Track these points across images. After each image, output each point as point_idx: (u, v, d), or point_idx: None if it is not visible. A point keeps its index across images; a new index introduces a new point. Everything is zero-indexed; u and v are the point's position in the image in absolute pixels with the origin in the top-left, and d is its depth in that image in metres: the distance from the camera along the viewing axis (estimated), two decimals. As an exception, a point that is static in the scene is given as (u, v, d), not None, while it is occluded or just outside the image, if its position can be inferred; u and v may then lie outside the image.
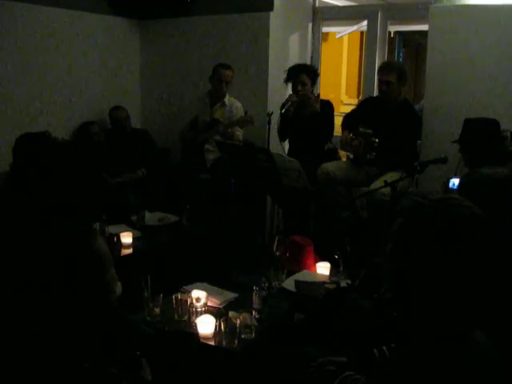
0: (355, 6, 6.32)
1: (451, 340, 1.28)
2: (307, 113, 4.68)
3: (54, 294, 1.52)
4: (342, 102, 9.43)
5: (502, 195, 1.90)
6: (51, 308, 1.52)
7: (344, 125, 4.63)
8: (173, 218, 4.24)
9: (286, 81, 4.84)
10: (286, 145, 5.09)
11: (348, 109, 7.87)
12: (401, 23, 6.24)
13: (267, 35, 5.11)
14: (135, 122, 5.63)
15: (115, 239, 3.65)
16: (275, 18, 5.12)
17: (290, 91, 4.92)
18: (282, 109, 4.75)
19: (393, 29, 6.40)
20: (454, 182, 3.20)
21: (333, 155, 4.89)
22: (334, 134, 4.90)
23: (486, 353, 1.30)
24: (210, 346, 2.50)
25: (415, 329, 1.34)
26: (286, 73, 4.81)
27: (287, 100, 4.69)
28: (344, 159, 4.94)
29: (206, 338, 2.52)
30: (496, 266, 1.29)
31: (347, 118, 4.73)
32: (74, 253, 1.54)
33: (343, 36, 8.05)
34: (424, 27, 4.89)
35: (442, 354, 1.26)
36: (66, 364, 1.46)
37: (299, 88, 4.71)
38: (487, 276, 1.28)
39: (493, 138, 3.46)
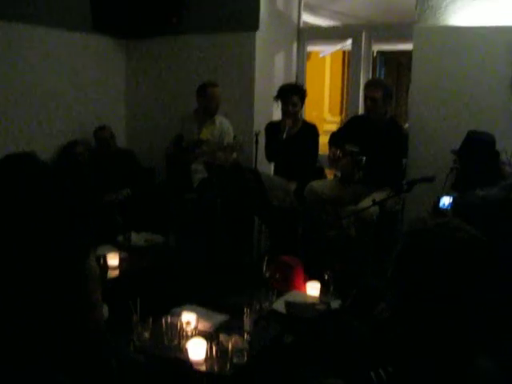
0: (339, 26, 6.39)
1: (453, 364, 1.27)
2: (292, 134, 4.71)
3: (42, 306, 1.50)
4: (325, 119, 9.49)
5: (496, 217, 1.90)
6: (36, 321, 1.50)
7: (331, 143, 4.64)
8: (159, 238, 4.20)
9: (277, 98, 4.84)
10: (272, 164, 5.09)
11: (331, 127, 7.93)
12: (385, 43, 6.31)
13: (253, 54, 5.13)
14: (120, 142, 5.59)
15: (101, 261, 3.59)
16: (261, 38, 5.15)
17: (277, 110, 4.91)
18: (267, 130, 4.78)
19: (376, 48, 6.47)
20: (444, 201, 3.20)
21: (319, 174, 4.90)
22: (321, 152, 4.92)
23: (491, 380, 1.29)
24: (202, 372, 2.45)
25: (416, 352, 1.32)
26: (278, 91, 4.82)
27: (283, 125, 4.68)
28: (330, 177, 4.94)
29: (198, 364, 2.47)
30: (497, 287, 1.29)
31: (334, 136, 4.74)
32: (65, 269, 1.53)
33: (326, 55, 8.12)
34: (408, 47, 4.95)
35: (444, 379, 1.25)
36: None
37: (290, 109, 4.73)
38: (490, 298, 1.28)
39: (491, 153, 3.49)
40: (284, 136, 4.61)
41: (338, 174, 4.63)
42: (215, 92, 4.93)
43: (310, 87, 5.55)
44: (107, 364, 1.91)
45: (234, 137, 4.94)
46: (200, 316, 2.81)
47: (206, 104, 4.96)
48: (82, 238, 1.74)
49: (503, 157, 3.90)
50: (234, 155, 4.75)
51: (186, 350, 2.52)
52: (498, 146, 3.83)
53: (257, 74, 5.17)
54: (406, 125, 5.03)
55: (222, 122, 5.04)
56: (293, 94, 4.75)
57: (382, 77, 8.57)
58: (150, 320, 2.68)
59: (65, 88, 5.20)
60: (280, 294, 3.21)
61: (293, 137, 4.74)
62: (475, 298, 1.25)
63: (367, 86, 4.50)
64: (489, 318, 1.31)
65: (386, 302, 1.34)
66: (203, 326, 2.81)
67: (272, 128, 4.85)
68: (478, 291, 1.24)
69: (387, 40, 6.07)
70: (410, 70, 4.67)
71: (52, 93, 5.08)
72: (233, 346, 2.49)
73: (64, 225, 1.89)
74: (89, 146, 5.21)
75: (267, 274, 3.32)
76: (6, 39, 4.64)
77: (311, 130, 4.86)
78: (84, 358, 1.65)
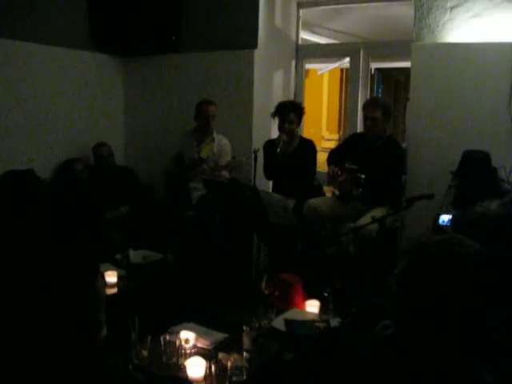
0: (337, 43, 6.43)
1: (455, 381, 1.26)
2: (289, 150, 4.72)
3: (48, 324, 1.49)
4: (323, 137, 9.53)
5: (496, 234, 1.90)
6: (40, 339, 1.49)
7: (330, 160, 4.65)
8: (158, 255, 4.18)
9: (274, 115, 4.85)
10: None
11: (329, 144, 7.96)
12: (382, 60, 6.36)
13: (251, 72, 5.16)
14: (119, 159, 5.59)
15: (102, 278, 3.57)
16: (259, 56, 5.18)
17: (275, 127, 4.92)
18: (265, 148, 4.79)
19: (374, 66, 6.51)
20: (444, 218, 3.20)
21: (318, 191, 4.89)
22: (320, 170, 4.92)
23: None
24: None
25: (417, 369, 1.32)
26: (275, 108, 4.83)
27: (278, 141, 4.68)
28: (329, 195, 4.94)
29: (197, 382, 2.44)
30: (499, 303, 1.29)
31: (333, 153, 4.75)
32: (76, 288, 1.52)
33: (324, 72, 8.17)
34: (405, 64, 4.98)
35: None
36: None
37: (286, 126, 4.73)
38: (491, 313, 1.28)
39: (489, 170, 3.51)
40: (278, 151, 4.60)
41: (337, 192, 4.62)
42: (209, 109, 4.95)
43: (308, 105, 5.58)
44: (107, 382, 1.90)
45: (234, 157, 4.95)
46: (199, 334, 2.79)
47: (201, 121, 4.98)
48: (88, 255, 1.74)
49: (502, 173, 3.91)
50: (233, 174, 4.77)
51: (185, 368, 2.50)
52: (497, 163, 3.85)
53: (255, 92, 5.20)
54: (404, 143, 5.05)
55: (221, 140, 5.05)
56: (290, 111, 4.75)
57: (380, 94, 8.62)
58: (149, 338, 2.66)
59: (64, 105, 5.21)
60: (279, 312, 3.19)
61: (290, 154, 4.76)
62: (478, 312, 1.25)
63: (366, 105, 4.50)
64: (490, 333, 1.31)
65: (390, 318, 1.33)
66: (202, 344, 2.79)
67: (270, 146, 4.85)
68: (480, 306, 1.24)
69: (385, 58, 6.12)
70: (407, 87, 4.70)
71: (51, 110, 5.10)
72: (232, 365, 2.47)
73: (67, 243, 1.89)
74: (88, 164, 5.21)
75: (266, 292, 3.31)
76: (5, 57, 4.66)
77: (309, 146, 4.87)
78: (84, 376, 1.63)
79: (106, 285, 1.66)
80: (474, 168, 3.60)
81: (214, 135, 5.04)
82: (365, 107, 4.49)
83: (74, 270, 1.55)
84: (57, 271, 1.54)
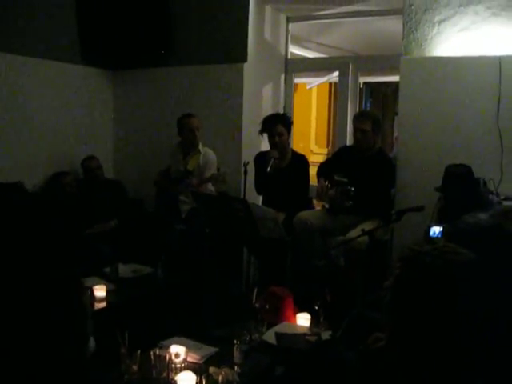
0: (326, 57, 6.47)
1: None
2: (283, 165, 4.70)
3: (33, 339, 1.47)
4: (311, 151, 9.53)
5: (488, 244, 1.90)
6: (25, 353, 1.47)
7: (319, 174, 4.65)
8: (147, 269, 4.15)
9: (261, 132, 4.79)
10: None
11: (318, 158, 7.97)
12: (371, 74, 6.40)
13: (241, 85, 5.18)
14: (108, 172, 5.57)
15: (88, 292, 3.53)
16: (249, 69, 5.20)
17: (265, 141, 4.91)
18: (256, 161, 4.78)
19: (363, 80, 6.55)
20: (435, 230, 3.21)
21: (308, 204, 4.89)
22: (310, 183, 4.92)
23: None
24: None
25: (411, 382, 1.30)
26: (261, 124, 4.78)
27: (269, 157, 4.58)
28: (319, 208, 4.94)
29: (187, 397, 2.42)
30: (497, 309, 1.29)
31: (322, 166, 4.76)
32: (57, 301, 1.51)
33: (313, 86, 8.20)
34: (394, 78, 5.01)
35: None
36: None
37: (277, 139, 4.68)
38: (489, 321, 1.27)
39: (472, 183, 3.52)
40: (268, 170, 4.50)
41: (327, 205, 4.62)
42: (192, 122, 4.95)
43: (297, 119, 5.60)
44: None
45: (218, 169, 4.94)
46: (189, 348, 2.76)
47: (187, 135, 4.98)
48: (71, 269, 1.72)
49: (491, 186, 3.94)
50: (218, 186, 4.76)
51: (176, 383, 2.47)
52: (486, 176, 3.87)
53: (245, 105, 5.21)
54: (390, 154, 5.07)
55: (207, 152, 5.04)
56: (277, 123, 4.68)
57: (368, 108, 8.66)
58: (138, 352, 2.62)
59: (53, 118, 5.21)
60: (270, 326, 3.16)
61: (283, 169, 4.72)
62: (472, 321, 1.24)
63: (356, 118, 4.52)
64: (485, 343, 1.30)
65: (382, 331, 1.32)
66: (192, 358, 2.75)
67: (261, 159, 4.81)
68: (475, 315, 1.24)
69: (373, 72, 6.16)
70: (395, 100, 4.73)
71: (40, 122, 5.09)
72: (223, 379, 2.44)
73: (51, 256, 1.87)
74: (77, 177, 5.18)
75: (257, 305, 3.28)
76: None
77: (301, 161, 4.84)
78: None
79: (89, 298, 1.65)
80: (456, 182, 3.61)
81: (200, 147, 5.03)
82: (355, 119, 4.51)
83: (54, 284, 1.53)
84: (37, 285, 1.53)
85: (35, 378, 1.47)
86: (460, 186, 3.55)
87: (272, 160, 4.54)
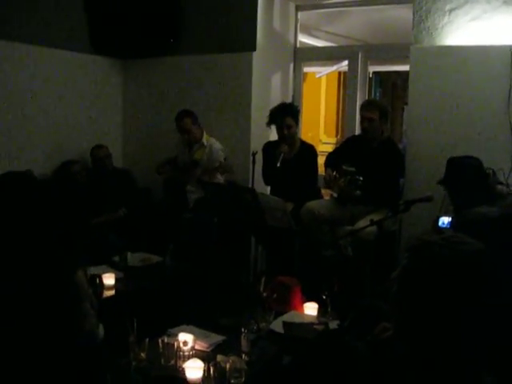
0: (336, 46, 6.44)
1: (457, 383, 1.25)
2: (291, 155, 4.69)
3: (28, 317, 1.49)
4: (320, 140, 9.50)
5: (497, 234, 1.90)
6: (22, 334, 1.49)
7: (327, 163, 4.63)
8: (156, 258, 4.17)
9: (269, 124, 4.75)
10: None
11: (327, 147, 7.94)
12: (381, 63, 6.36)
13: (250, 75, 5.16)
14: (117, 161, 5.58)
15: (97, 280, 3.56)
16: (258, 58, 5.18)
17: (273, 131, 4.88)
18: (264, 150, 4.77)
19: (372, 69, 6.51)
20: (444, 220, 3.19)
21: (316, 194, 4.88)
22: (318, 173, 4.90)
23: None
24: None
25: (418, 372, 1.30)
26: (269, 116, 4.73)
27: (278, 152, 4.54)
28: (327, 197, 4.93)
29: (195, 384, 2.43)
30: (505, 299, 1.28)
31: (330, 156, 4.74)
32: (55, 278, 1.53)
33: (323, 75, 8.17)
34: (404, 68, 4.98)
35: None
36: None
37: (285, 132, 4.64)
38: (496, 311, 1.27)
39: (477, 176, 3.48)
40: (278, 164, 4.47)
41: (335, 195, 4.61)
42: (182, 125, 4.95)
43: (305, 108, 5.57)
44: (102, 379, 1.89)
45: (225, 158, 4.94)
46: (197, 336, 2.78)
47: (182, 135, 5.01)
48: (70, 252, 1.75)
49: (500, 176, 3.91)
50: (226, 176, 4.76)
51: (184, 370, 2.48)
52: (496, 166, 3.84)
53: (254, 94, 5.20)
54: (400, 145, 5.04)
55: (212, 143, 5.04)
56: (285, 116, 4.63)
57: (378, 97, 8.62)
58: (147, 340, 2.64)
59: (62, 107, 5.21)
60: (278, 315, 3.17)
61: (291, 159, 4.70)
62: (479, 312, 1.24)
63: (363, 106, 4.50)
64: (491, 333, 1.30)
65: (389, 320, 1.33)
66: (200, 346, 2.77)
67: (270, 148, 4.80)
68: (482, 305, 1.23)
69: (383, 61, 6.12)
70: (404, 90, 4.71)
71: (50, 112, 5.09)
72: (230, 367, 2.45)
73: (54, 239, 1.89)
74: (85, 165, 5.20)
75: (264, 294, 3.29)
76: (4, 58, 4.66)
77: (310, 151, 4.82)
78: (77, 369, 1.63)
79: (86, 279, 1.68)
80: (462, 174, 3.57)
81: (204, 140, 5.03)
82: (362, 108, 4.49)
83: (49, 262, 1.56)
84: (34, 265, 1.55)
85: (34, 357, 1.49)
86: (462, 178, 3.51)
87: (281, 155, 4.52)
